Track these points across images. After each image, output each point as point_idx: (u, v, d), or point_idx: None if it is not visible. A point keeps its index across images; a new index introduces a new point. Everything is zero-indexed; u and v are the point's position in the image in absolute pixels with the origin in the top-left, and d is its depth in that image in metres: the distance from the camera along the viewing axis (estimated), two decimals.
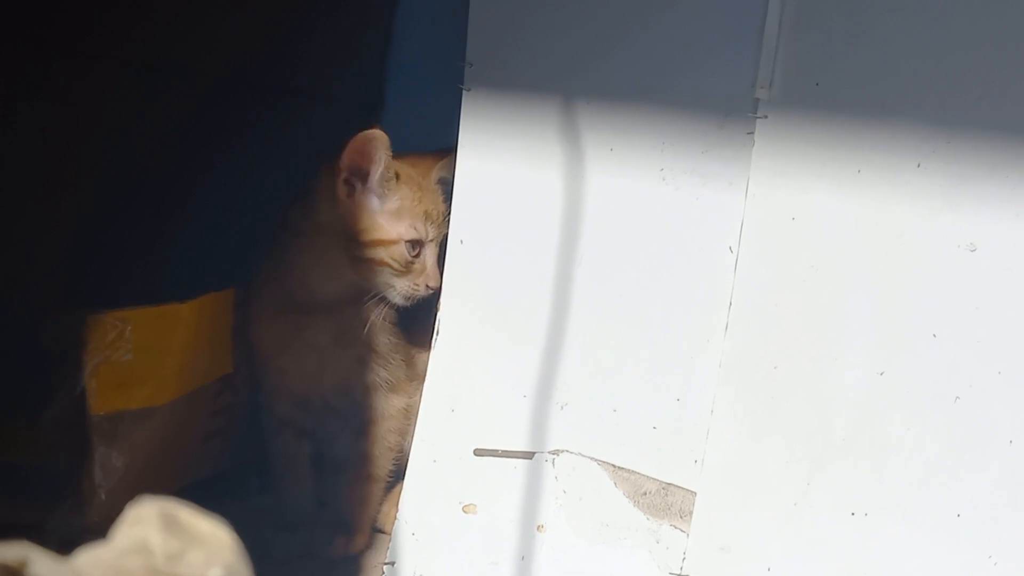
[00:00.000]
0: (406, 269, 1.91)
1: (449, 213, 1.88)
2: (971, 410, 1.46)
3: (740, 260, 1.60)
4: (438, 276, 1.89)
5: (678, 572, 1.63)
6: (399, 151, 1.91)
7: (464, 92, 1.79)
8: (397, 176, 1.91)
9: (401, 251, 1.90)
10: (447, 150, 1.93)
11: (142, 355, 1.81)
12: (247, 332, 2.02)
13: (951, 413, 1.47)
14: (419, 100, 2.12)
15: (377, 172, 1.88)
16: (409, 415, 2.01)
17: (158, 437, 1.87)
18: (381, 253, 1.91)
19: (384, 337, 2.00)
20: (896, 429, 1.51)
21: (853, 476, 1.53)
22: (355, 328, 1.97)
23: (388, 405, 2.03)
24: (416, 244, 1.91)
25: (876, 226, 1.52)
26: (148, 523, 0.64)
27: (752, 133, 1.59)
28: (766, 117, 1.57)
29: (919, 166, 1.48)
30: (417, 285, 1.91)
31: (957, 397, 1.47)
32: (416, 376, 2.00)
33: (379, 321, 1.96)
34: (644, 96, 1.68)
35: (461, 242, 1.82)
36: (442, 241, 1.89)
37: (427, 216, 1.92)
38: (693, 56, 1.64)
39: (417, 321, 1.98)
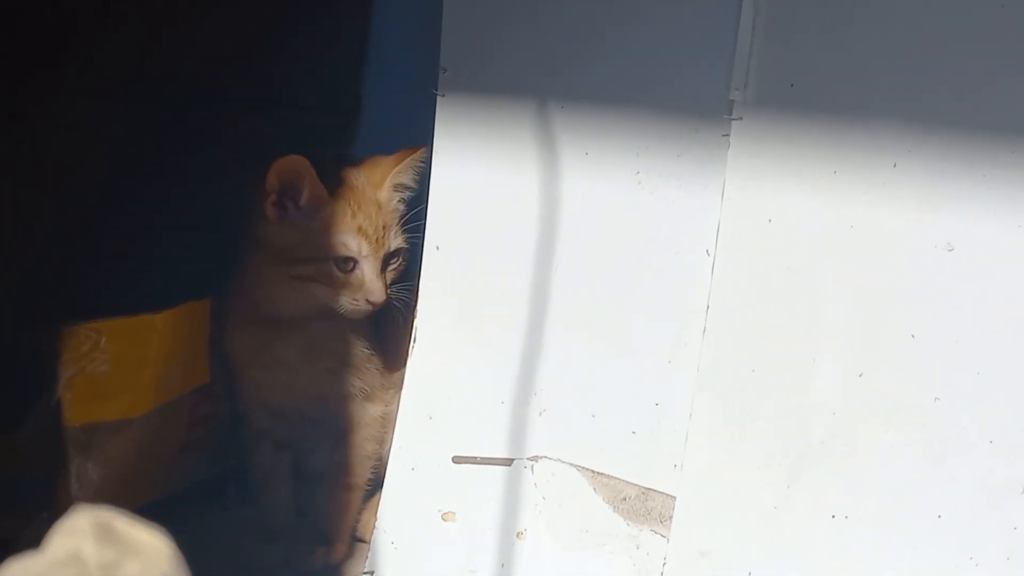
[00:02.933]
0: (339, 285, 1.89)
1: (407, 220, 1.87)
2: (950, 411, 1.46)
3: (717, 263, 1.60)
4: (381, 290, 1.87)
5: None
6: (363, 155, 1.89)
7: (439, 98, 1.78)
8: (328, 194, 1.89)
9: (328, 269, 1.88)
10: (408, 151, 1.91)
11: (117, 366, 1.80)
12: (223, 344, 2.01)
13: (930, 414, 1.47)
14: (394, 107, 2.11)
15: (303, 195, 1.87)
16: (386, 423, 2.00)
17: (135, 448, 1.85)
18: (310, 270, 1.89)
19: (356, 347, 1.99)
20: (875, 431, 1.50)
21: (833, 479, 1.53)
22: (323, 341, 1.96)
23: (364, 413, 2.03)
24: (348, 260, 1.88)
25: (853, 227, 1.51)
26: (82, 533, 0.63)
27: (727, 135, 1.58)
28: (741, 119, 1.57)
29: (895, 166, 1.47)
30: (356, 300, 1.88)
31: (936, 398, 1.47)
32: (392, 384, 1.99)
33: (344, 334, 1.95)
34: (619, 100, 1.67)
35: (437, 248, 1.81)
36: (417, 249, 1.87)
37: (361, 231, 1.88)
38: (668, 59, 1.63)
39: (389, 328, 1.97)
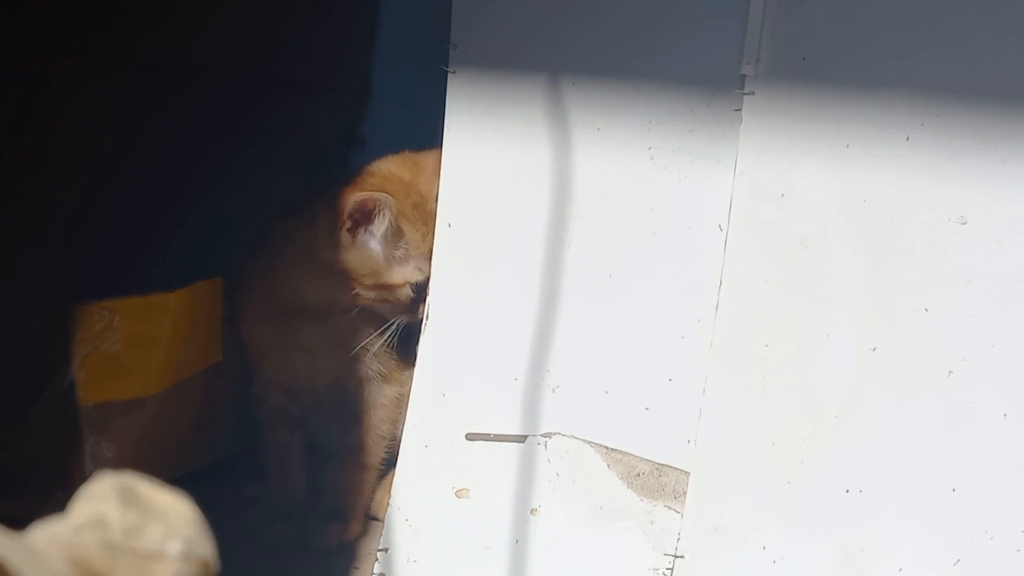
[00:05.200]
0: (408, 301, 1.90)
1: None
2: (964, 384, 1.46)
3: (729, 238, 1.59)
4: None
5: (672, 553, 1.63)
6: (397, 150, 1.89)
7: (449, 74, 1.78)
8: (401, 230, 1.89)
9: (406, 292, 1.90)
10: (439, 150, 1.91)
11: (130, 345, 1.80)
12: (239, 331, 2.01)
13: (944, 388, 1.47)
14: (405, 85, 2.11)
15: (381, 230, 1.87)
16: (401, 403, 2.00)
17: (148, 427, 1.86)
18: (386, 294, 1.90)
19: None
20: (889, 405, 1.50)
21: (846, 453, 1.53)
22: (346, 330, 1.96)
23: (381, 395, 2.03)
24: (421, 284, 1.89)
25: (865, 201, 1.51)
26: (105, 497, 0.63)
27: (739, 110, 1.58)
28: (753, 94, 1.56)
29: (908, 139, 1.47)
30: (418, 314, 1.90)
31: (950, 372, 1.46)
32: (408, 365, 1.99)
33: (373, 320, 1.96)
34: (630, 75, 1.67)
35: (449, 225, 1.81)
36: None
37: (431, 252, 1.86)
38: (679, 34, 1.62)
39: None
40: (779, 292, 1.57)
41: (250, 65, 2.21)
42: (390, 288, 1.90)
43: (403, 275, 1.90)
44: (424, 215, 1.92)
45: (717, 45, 1.59)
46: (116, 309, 1.79)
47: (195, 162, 2.05)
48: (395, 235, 1.89)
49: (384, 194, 1.85)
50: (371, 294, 1.90)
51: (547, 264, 1.73)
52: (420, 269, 1.89)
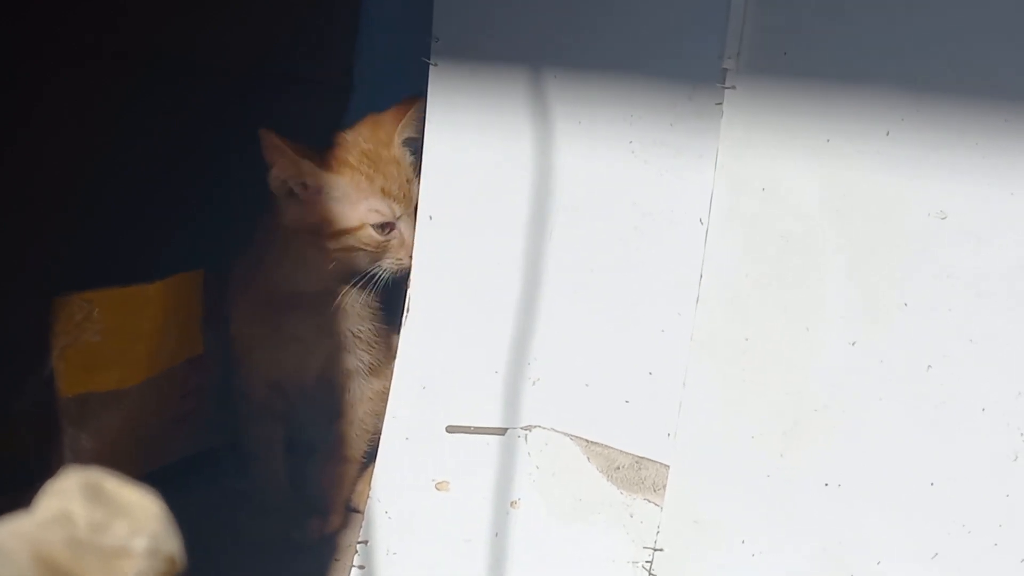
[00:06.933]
0: (383, 248, 1.89)
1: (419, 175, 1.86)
2: (943, 379, 1.46)
3: (710, 232, 1.59)
4: None
5: (652, 546, 1.63)
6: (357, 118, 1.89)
7: (431, 67, 1.78)
8: (332, 164, 1.90)
9: (369, 234, 1.89)
10: (406, 103, 1.92)
11: (110, 336, 1.80)
12: (226, 320, 2.01)
13: (923, 382, 1.47)
14: (386, 77, 2.11)
15: (292, 175, 1.88)
16: (387, 397, 2.00)
17: (128, 419, 1.86)
18: (351, 240, 1.89)
19: (368, 324, 1.99)
20: (869, 399, 1.51)
21: (826, 447, 1.53)
22: (337, 319, 1.96)
23: (368, 388, 2.03)
24: (385, 225, 1.89)
25: (846, 195, 1.51)
26: (70, 494, 0.63)
27: (721, 104, 1.57)
28: (734, 88, 1.56)
29: (888, 134, 1.47)
30: (400, 259, 1.89)
31: (929, 366, 1.47)
32: (395, 357, 1.99)
33: (363, 308, 1.96)
34: (612, 68, 1.66)
35: (430, 218, 1.81)
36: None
37: (385, 193, 1.89)
38: (661, 28, 1.62)
39: (399, 306, 1.97)
40: (760, 286, 1.57)
41: (231, 59, 2.20)
42: (350, 232, 1.90)
43: (357, 217, 1.89)
44: (374, 160, 1.92)
45: (699, 39, 1.58)
46: (96, 300, 1.78)
47: (176, 154, 2.04)
48: (318, 176, 1.89)
49: (265, 131, 1.86)
50: (337, 243, 1.90)
51: (528, 257, 1.73)
52: (376, 211, 1.89)
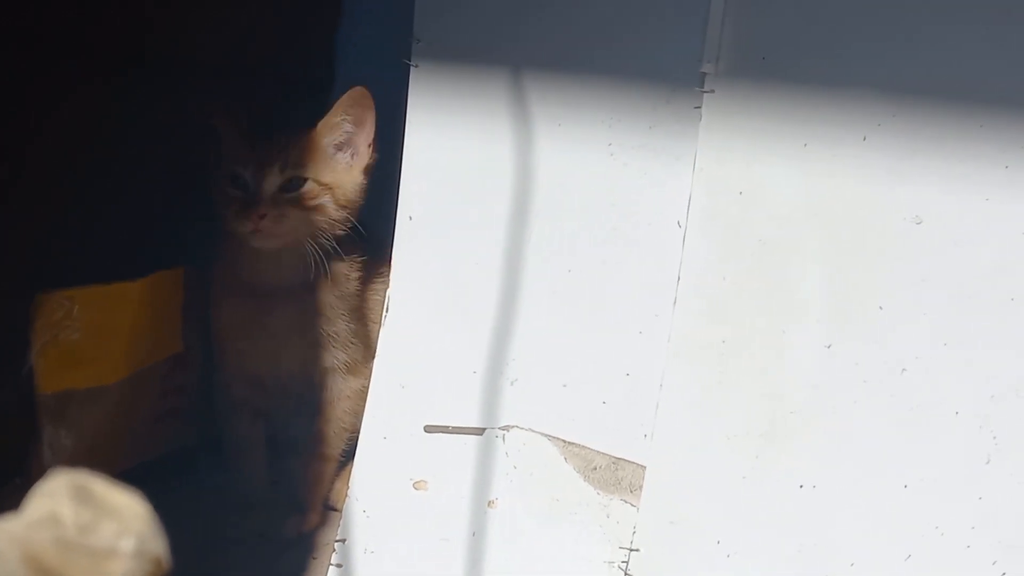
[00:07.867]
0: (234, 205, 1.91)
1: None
2: (917, 382, 1.48)
3: (688, 234, 1.61)
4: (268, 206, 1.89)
5: (628, 546, 1.64)
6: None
7: (412, 68, 1.78)
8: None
9: (224, 189, 1.93)
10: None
11: (90, 334, 1.79)
12: (207, 315, 2.01)
13: (898, 385, 1.48)
14: (366, 78, 2.11)
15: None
16: (365, 396, 2.00)
17: (108, 416, 1.85)
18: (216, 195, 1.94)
19: (344, 322, 2.00)
20: (843, 402, 1.52)
21: (801, 449, 1.54)
22: (312, 315, 1.96)
23: (346, 387, 2.03)
24: (237, 177, 1.91)
25: (823, 199, 1.52)
26: (59, 495, 0.64)
27: (699, 107, 1.59)
28: (713, 91, 1.57)
29: (865, 139, 1.49)
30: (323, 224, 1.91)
31: (904, 369, 1.48)
32: (373, 357, 1.99)
33: (340, 306, 1.96)
34: (591, 71, 1.67)
35: (410, 218, 1.81)
36: (393, 215, 1.87)
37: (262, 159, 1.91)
38: (640, 30, 1.63)
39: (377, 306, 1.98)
40: (737, 288, 1.58)
41: (210, 54, 2.20)
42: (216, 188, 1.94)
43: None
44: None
45: (678, 43, 1.59)
46: (75, 298, 1.77)
47: (154, 151, 2.04)
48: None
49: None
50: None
51: (507, 258, 1.73)
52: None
